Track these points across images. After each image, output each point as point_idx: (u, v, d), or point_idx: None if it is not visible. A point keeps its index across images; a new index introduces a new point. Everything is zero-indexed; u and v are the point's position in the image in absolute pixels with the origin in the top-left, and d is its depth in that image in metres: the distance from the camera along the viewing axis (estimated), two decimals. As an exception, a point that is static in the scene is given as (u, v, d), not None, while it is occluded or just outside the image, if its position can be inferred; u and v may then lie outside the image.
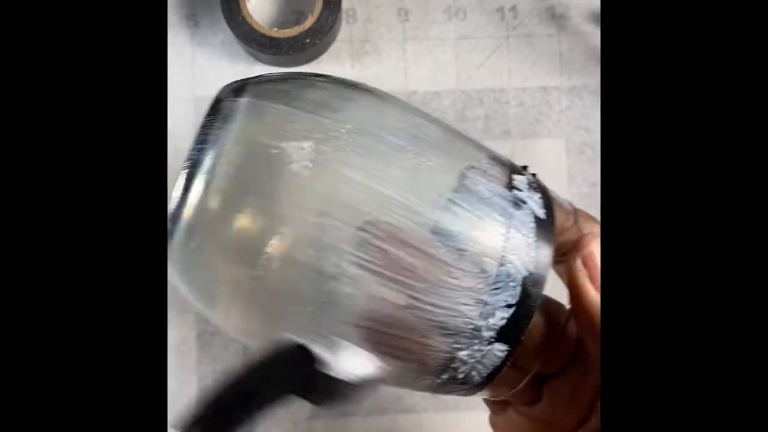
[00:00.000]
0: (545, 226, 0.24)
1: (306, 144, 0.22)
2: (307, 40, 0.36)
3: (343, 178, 0.22)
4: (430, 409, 0.37)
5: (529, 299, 0.23)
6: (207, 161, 0.22)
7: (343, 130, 0.22)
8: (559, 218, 0.25)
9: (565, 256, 0.25)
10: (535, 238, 0.23)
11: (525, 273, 0.23)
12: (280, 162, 0.22)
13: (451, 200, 0.22)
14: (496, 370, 0.24)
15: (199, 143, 0.22)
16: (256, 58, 0.38)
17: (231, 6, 0.36)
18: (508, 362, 0.23)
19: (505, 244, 0.23)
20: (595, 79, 0.39)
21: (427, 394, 0.37)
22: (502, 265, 0.23)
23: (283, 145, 0.22)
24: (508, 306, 0.23)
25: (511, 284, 0.23)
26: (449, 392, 0.25)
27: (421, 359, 0.23)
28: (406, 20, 0.39)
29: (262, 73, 0.35)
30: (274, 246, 0.21)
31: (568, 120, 0.38)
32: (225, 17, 0.36)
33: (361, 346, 0.22)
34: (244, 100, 0.23)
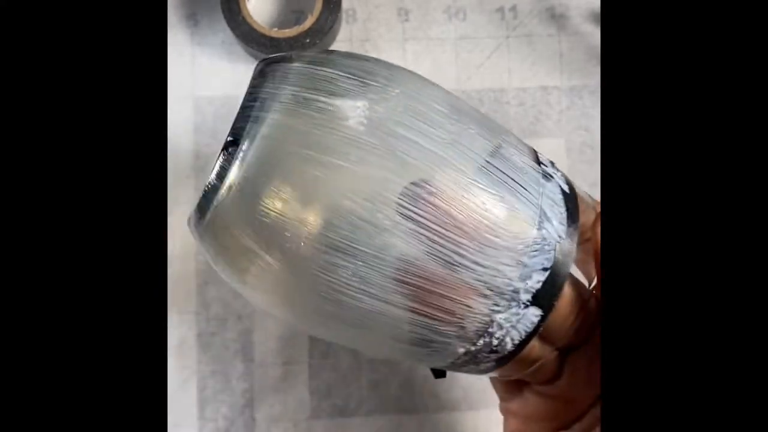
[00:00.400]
0: (571, 200, 0.25)
1: (360, 103, 0.23)
2: (307, 40, 0.36)
3: (396, 135, 0.22)
4: (430, 409, 0.37)
5: (561, 265, 0.24)
6: (265, 118, 0.23)
7: (393, 93, 0.23)
8: (580, 198, 0.26)
9: (583, 238, 0.25)
10: (564, 209, 0.25)
11: (557, 239, 0.24)
12: (335, 118, 0.22)
13: (491, 164, 0.24)
14: (528, 337, 0.24)
15: (251, 102, 0.23)
16: (256, 58, 0.38)
17: (231, 6, 0.36)
18: (540, 329, 0.24)
19: (540, 210, 0.24)
20: (595, 79, 0.39)
21: (427, 395, 0.37)
22: (539, 228, 0.24)
23: (338, 102, 0.23)
24: (544, 269, 0.24)
25: (547, 248, 0.24)
26: (478, 366, 0.25)
27: (461, 321, 0.23)
28: (406, 20, 0.39)
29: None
30: (328, 195, 0.22)
31: (568, 120, 0.38)
32: (225, 17, 0.36)
33: (404, 306, 0.23)
34: (295, 65, 0.24)
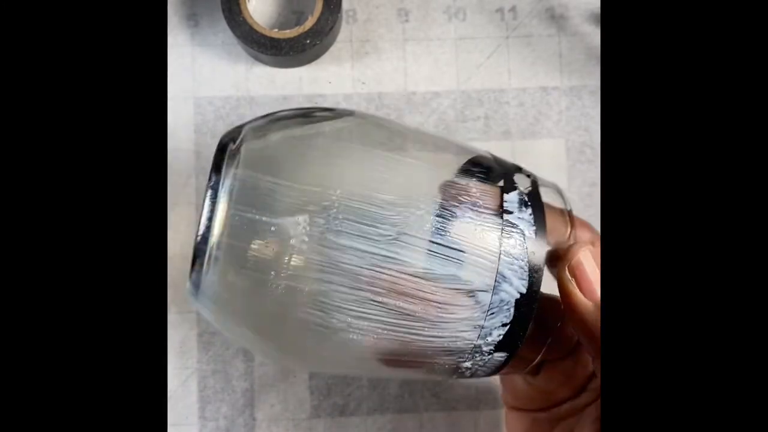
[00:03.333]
0: (537, 244, 0.25)
1: (301, 218, 0.23)
2: (308, 41, 0.36)
3: (338, 247, 0.23)
4: (430, 408, 0.37)
5: (522, 316, 0.25)
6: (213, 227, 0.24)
7: (333, 197, 0.24)
8: (554, 227, 0.27)
9: (556, 262, 0.26)
10: (527, 260, 0.25)
11: (517, 295, 0.25)
12: (279, 237, 0.23)
13: (440, 244, 0.24)
14: (498, 369, 0.26)
15: (213, 187, 0.25)
16: (256, 58, 0.38)
17: (231, 6, 0.36)
18: (509, 363, 0.26)
19: (495, 274, 0.25)
20: (595, 79, 0.39)
21: (427, 394, 0.37)
22: (495, 293, 0.25)
23: (280, 221, 0.23)
24: (504, 325, 0.25)
25: (505, 308, 0.25)
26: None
27: (431, 370, 0.26)
28: (406, 21, 0.39)
29: (265, 67, 0.35)
30: (281, 306, 0.24)
31: (568, 120, 0.38)
32: (225, 18, 0.36)
33: (380, 368, 0.26)
34: (238, 172, 0.24)
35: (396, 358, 0.25)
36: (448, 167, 0.27)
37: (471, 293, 0.25)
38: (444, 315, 0.24)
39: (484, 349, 0.25)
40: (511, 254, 0.25)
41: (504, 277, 0.25)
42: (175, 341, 0.36)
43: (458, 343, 0.25)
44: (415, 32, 0.39)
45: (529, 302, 0.25)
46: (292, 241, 0.23)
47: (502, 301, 0.25)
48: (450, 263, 0.24)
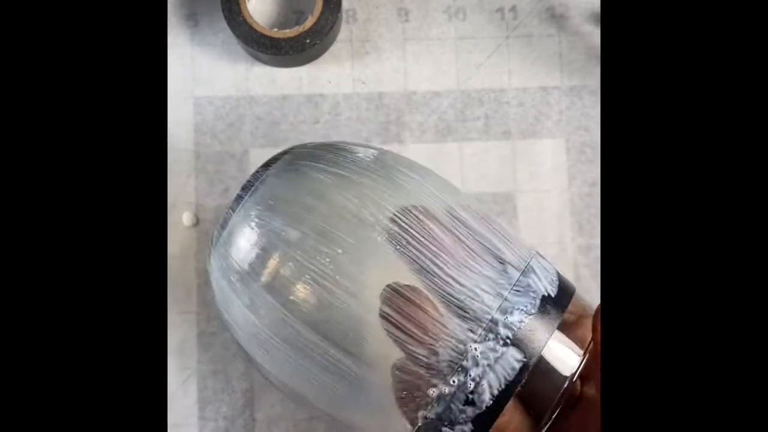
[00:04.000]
0: (563, 292, 0.26)
1: (370, 150, 0.28)
2: (308, 41, 0.36)
3: (395, 171, 0.27)
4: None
5: (548, 312, 0.24)
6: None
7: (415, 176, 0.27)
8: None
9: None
10: (557, 275, 0.27)
11: (544, 292, 0.25)
12: (347, 151, 0.27)
13: (484, 219, 0.27)
14: (509, 389, 0.23)
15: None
16: (256, 58, 0.38)
17: (231, 6, 0.36)
18: (522, 381, 0.23)
19: (527, 264, 0.25)
20: (595, 79, 0.39)
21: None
22: (524, 275, 0.25)
23: (351, 147, 0.28)
24: (527, 313, 0.24)
25: (532, 294, 0.24)
26: (453, 428, 0.23)
27: (433, 343, 0.23)
28: (406, 20, 0.39)
29: (265, 67, 0.35)
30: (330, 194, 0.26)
31: (568, 120, 0.38)
32: (225, 17, 0.36)
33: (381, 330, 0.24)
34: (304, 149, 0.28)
35: (405, 296, 0.23)
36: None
37: (500, 260, 0.25)
38: (470, 261, 0.24)
39: (501, 332, 0.23)
40: (541, 265, 0.26)
41: (534, 270, 0.25)
42: (175, 341, 0.36)
43: (474, 303, 0.23)
44: (415, 32, 0.39)
45: (557, 306, 0.24)
46: (359, 155, 0.27)
47: (529, 286, 0.24)
48: (490, 226, 0.26)
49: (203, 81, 0.38)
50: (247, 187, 0.27)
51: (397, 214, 0.24)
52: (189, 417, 0.36)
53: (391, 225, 0.24)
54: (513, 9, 0.39)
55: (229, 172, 0.37)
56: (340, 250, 0.24)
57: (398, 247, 0.24)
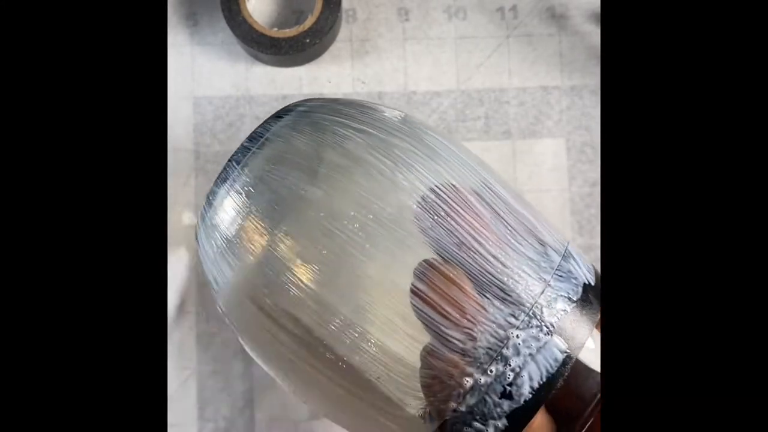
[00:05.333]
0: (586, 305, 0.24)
1: (396, 112, 0.25)
2: (307, 40, 0.36)
3: (427, 135, 0.24)
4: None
5: (592, 303, 0.22)
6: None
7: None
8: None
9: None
10: (591, 267, 0.24)
11: (585, 280, 0.23)
12: (374, 110, 0.24)
13: (519, 197, 0.25)
14: (551, 382, 0.20)
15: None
16: (256, 58, 0.38)
17: (231, 6, 0.36)
18: (566, 375, 0.21)
19: (566, 249, 0.23)
20: (595, 78, 0.39)
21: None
22: (565, 259, 0.23)
23: (377, 106, 0.25)
24: (570, 300, 0.22)
25: (573, 281, 0.22)
26: (486, 422, 0.21)
27: (471, 327, 0.20)
28: (407, 20, 0.39)
29: (265, 67, 0.35)
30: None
31: (568, 120, 0.38)
32: (225, 17, 0.36)
33: (414, 303, 0.21)
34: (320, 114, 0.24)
35: (442, 271, 0.21)
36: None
37: (541, 242, 0.22)
38: (512, 240, 0.22)
39: (546, 318, 0.21)
40: (575, 256, 0.23)
41: (572, 255, 0.23)
42: (175, 342, 0.36)
43: (518, 286, 0.21)
44: (416, 31, 0.38)
45: (597, 296, 0.22)
46: (387, 114, 0.24)
47: (570, 272, 0.22)
48: (529, 206, 0.24)
49: (203, 81, 0.38)
50: (255, 138, 0.23)
51: (434, 181, 0.22)
52: (189, 417, 0.36)
53: (428, 193, 0.21)
54: (513, 8, 0.39)
55: (229, 172, 0.37)
56: (371, 216, 0.21)
57: (436, 218, 0.21)
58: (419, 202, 0.21)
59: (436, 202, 0.21)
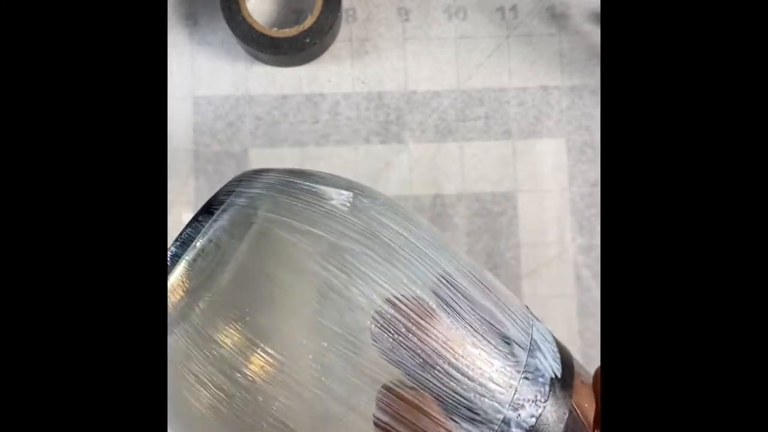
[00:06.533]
0: (566, 364, 0.23)
1: (345, 192, 0.21)
2: (307, 40, 0.36)
3: (380, 223, 0.21)
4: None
5: (559, 402, 0.21)
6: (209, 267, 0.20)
7: (379, 198, 0.23)
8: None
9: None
10: (557, 348, 0.23)
11: (552, 374, 0.22)
12: (319, 198, 0.21)
13: (478, 278, 0.22)
14: None
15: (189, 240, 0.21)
16: (256, 57, 0.38)
17: (231, 5, 0.36)
18: None
19: (531, 338, 0.22)
20: (595, 78, 0.39)
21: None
22: (530, 355, 0.21)
23: (323, 187, 0.21)
24: (537, 403, 0.21)
25: (540, 380, 0.21)
26: None
27: None
28: (407, 20, 0.39)
29: (264, 66, 0.35)
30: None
31: (568, 119, 0.38)
32: (225, 17, 0.36)
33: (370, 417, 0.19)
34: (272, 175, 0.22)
35: (406, 399, 0.19)
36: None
37: (506, 339, 0.21)
38: (476, 348, 0.20)
39: (515, 431, 0.20)
40: (542, 334, 0.22)
41: (538, 345, 0.22)
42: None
43: (487, 399, 0.20)
44: (416, 31, 0.38)
45: (564, 388, 0.22)
46: (334, 202, 0.21)
47: (537, 369, 0.21)
48: (488, 296, 0.21)
49: (202, 80, 0.38)
50: (185, 242, 0.21)
51: (391, 291, 0.20)
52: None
53: (385, 307, 0.19)
54: (513, 8, 0.39)
55: (228, 172, 0.37)
56: (325, 344, 0.19)
57: (396, 336, 0.19)
58: (376, 319, 0.19)
59: (395, 318, 0.19)
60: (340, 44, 0.38)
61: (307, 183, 0.22)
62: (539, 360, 0.21)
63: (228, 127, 0.38)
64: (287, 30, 0.36)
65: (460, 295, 0.21)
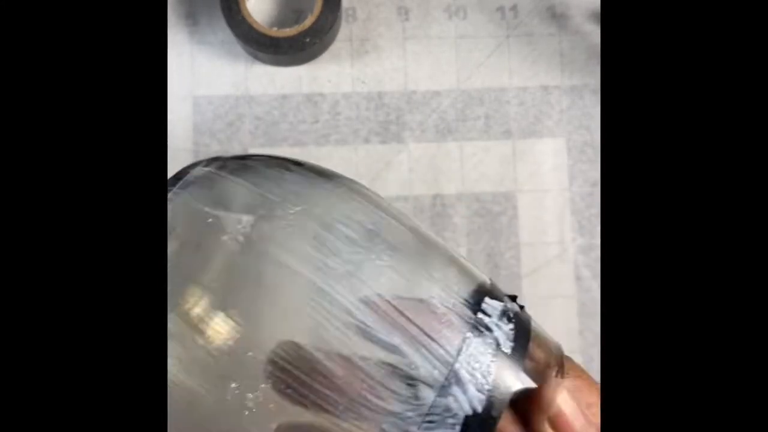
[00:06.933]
0: (509, 363, 0.20)
1: (245, 218, 0.20)
2: (307, 40, 0.36)
3: (272, 260, 0.20)
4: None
5: None
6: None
7: (291, 212, 0.21)
8: (538, 358, 0.22)
9: (532, 407, 0.21)
10: (492, 375, 0.20)
11: (469, 411, 0.19)
12: (214, 232, 0.20)
13: (389, 303, 0.20)
14: None
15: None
16: (256, 57, 0.38)
17: (230, 5, 0.36)
18: None
19: (450, 370, 0.20)
20: (596, 78, 0.39)
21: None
22: (441, 394, 0.19)
23: (221, 214, 0.21)
24: None
25: (450, 421, 0.19)
26: None
27: None
28: (406, 19, 0.39)
29: (264, 66, 0.35)
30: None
31: (569, 119, 0.38)
32: (224, 16, 0.36)
33: None
34: (204, 169, 0.22)
35: None
36: (432, 253, 0.23)
37: (411, 381, 0.19)
38: (369, 396, 0.19)
39: None
40: (475, 357, 0.20)
41: (459, 379, 0.20)
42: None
43: None
44: (416, 31, 0.38)
45: (484, 426, 0.19)
46: (224, 238, 0.20)
47: (448, 409, 0.19)
48: (394, 330, 0.20)
49: (202, 80, 0.38)
50: None
51: (276, 350, 0.19)
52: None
53: (269, 367, 0.19)
54: (513, 8, 0.39)
55: (228, 172, 0.37)
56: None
57: (285, 388, 0.19)
58: (267, 370, 0.19)
59: (279, 376, 0.19)
60: (340, 44, 0.38)
61: (214, 211, 0.21)
62: (453, 397, 0.20)
63: (228, 126, 0.38)
64: (287, 30, 0.36)
65: (360, 338, 0.20)
